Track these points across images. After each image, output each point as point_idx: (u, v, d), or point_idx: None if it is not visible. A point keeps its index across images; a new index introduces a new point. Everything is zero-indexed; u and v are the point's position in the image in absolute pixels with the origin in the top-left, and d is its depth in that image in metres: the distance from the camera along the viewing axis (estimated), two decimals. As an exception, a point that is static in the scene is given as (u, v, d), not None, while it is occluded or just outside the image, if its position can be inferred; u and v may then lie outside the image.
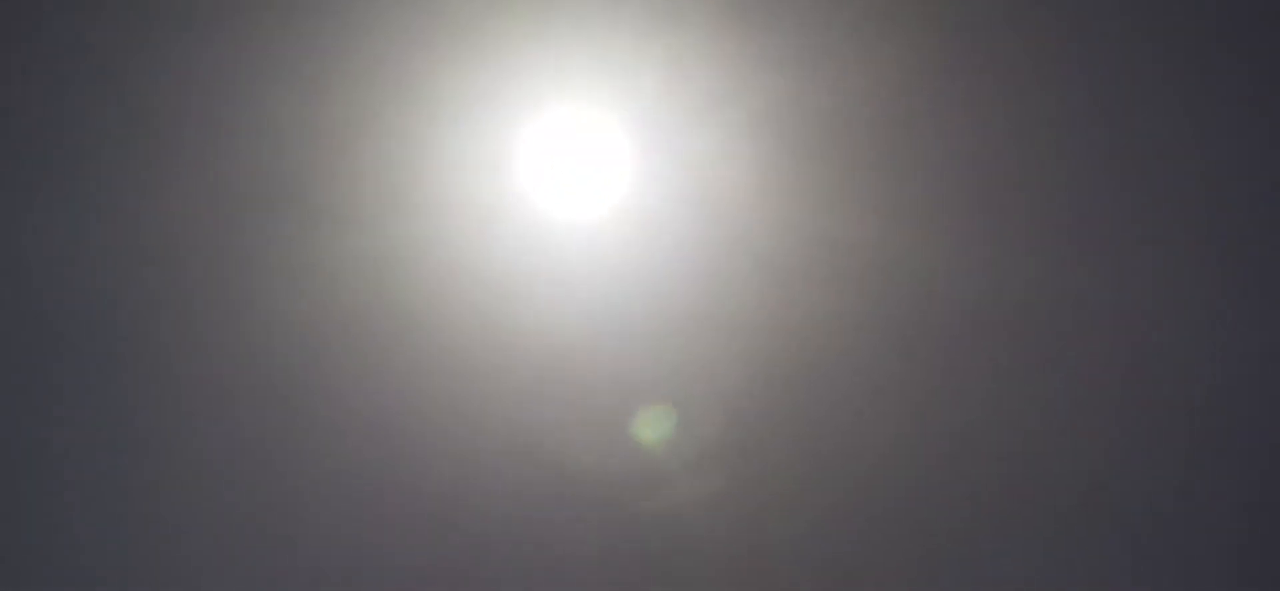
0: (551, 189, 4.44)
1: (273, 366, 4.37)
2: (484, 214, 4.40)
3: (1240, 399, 4.55)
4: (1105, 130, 4.52)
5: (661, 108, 4.41)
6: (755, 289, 4.45)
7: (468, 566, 4.42)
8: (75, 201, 4.35)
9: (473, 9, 4.32)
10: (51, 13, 4.20)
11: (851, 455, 4.54)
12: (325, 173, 4.35)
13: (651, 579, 4.43)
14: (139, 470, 4.36)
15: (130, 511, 4.42)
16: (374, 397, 4.42)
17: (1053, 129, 4.48)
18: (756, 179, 4.44)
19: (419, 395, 4.42)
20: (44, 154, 4.29)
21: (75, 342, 4.37)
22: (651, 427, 4.35)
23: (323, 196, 4.34)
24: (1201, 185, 4.52)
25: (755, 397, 4.45)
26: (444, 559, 4.40)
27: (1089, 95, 4.53)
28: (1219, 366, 4.57)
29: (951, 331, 4.54)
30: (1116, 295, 4.54)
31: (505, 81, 4.36)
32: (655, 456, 4.42)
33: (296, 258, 4.36)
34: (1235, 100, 4.46)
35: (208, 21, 4.23)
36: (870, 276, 4.45)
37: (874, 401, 4.47)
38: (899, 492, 4.54)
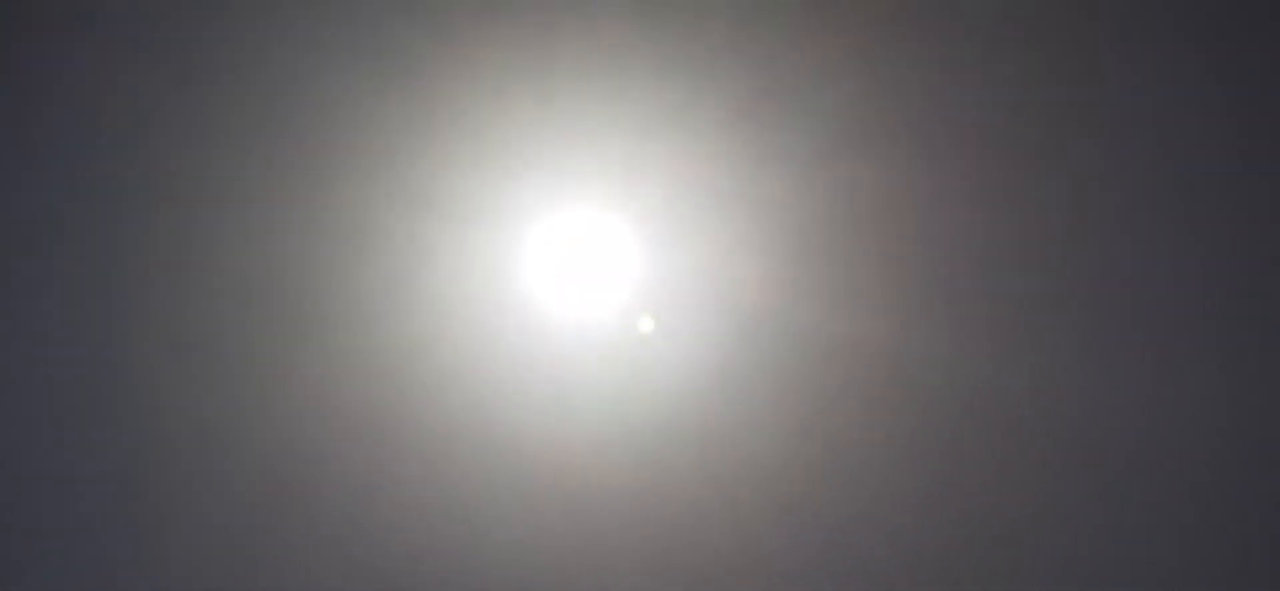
0: (555, 290, 4.38)
1: (269, 467, 4.27)
2: (486, 315, 4.34)
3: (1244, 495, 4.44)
4: (1125, 229, 4.47)
5: (666, 208, 4.38)
6: (765, 391, 4.36)
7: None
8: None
9: (476, 110, 4.32)
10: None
11: (867, 559, 4.41)
12: (325, 273, 4.30)
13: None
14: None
15: None
16: (373, 499, 4.31)
17: (1069, 225, 4.44)
18: (764, 279, 4.38)
19: (418, 499, 4.32)
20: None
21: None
22: None
23: (321, 297, 4.29)
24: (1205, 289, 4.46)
25: (767, 499, 4.34)
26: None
27: (1106, 191, 4.49)
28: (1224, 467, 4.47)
29: (964, 430, 4.44)
30: (1130, 398, 4.45)
31: (508, 183, 4.34)
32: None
33: (295, 358, 4.30)
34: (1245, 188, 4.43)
35: (209, 110, 4.23)
36: (883, 376, 4.37)
37: (888, 501, 4.36)
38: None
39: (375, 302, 4.33)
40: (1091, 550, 4.38)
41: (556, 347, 4.38)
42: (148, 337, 4.30)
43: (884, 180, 4.43)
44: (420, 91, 4.32)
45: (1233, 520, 4.37)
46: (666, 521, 4.32)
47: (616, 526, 4.30)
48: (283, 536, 4.24)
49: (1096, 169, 4.51)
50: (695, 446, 4.35)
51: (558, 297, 4.39)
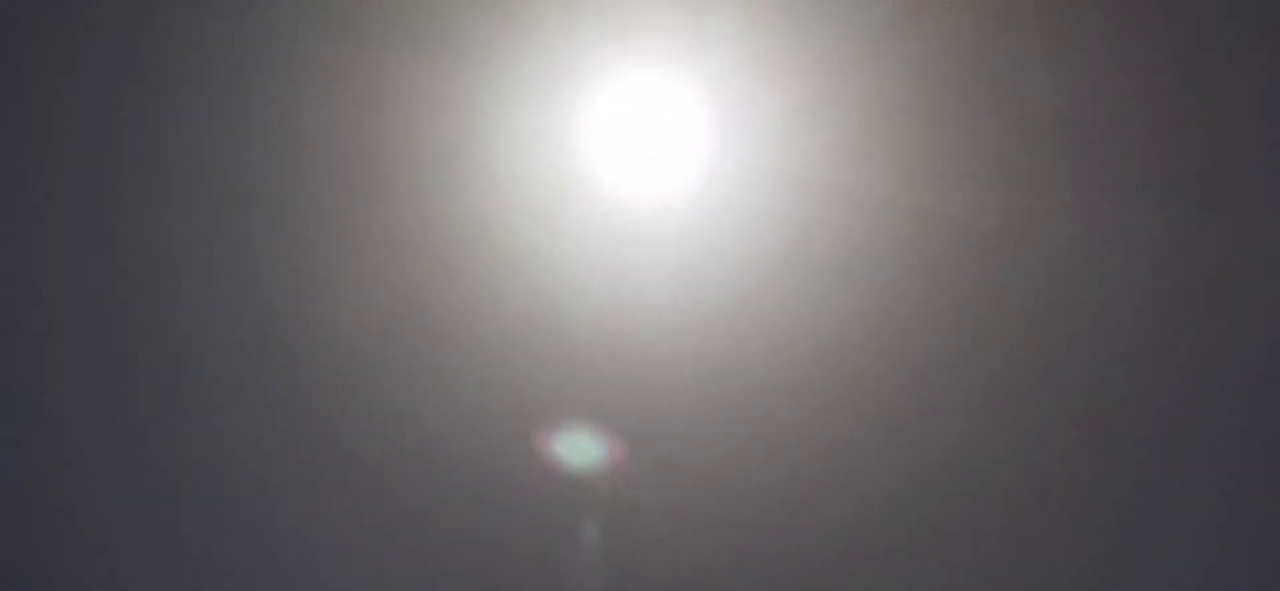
0: (618, 164, 4.22)
1: (326, 339, 4.17)
2: (548, 190, 4.19)
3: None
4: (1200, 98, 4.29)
5: (731, 79, 4.19)
6: (835, 265, 4.23)
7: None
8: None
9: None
10: None
11: (936, 431, 4.32)
12: (377, 145, 4.15)
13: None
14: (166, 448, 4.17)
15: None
16: (426, 383, 4.21)
17: (1147, 94, 4.25)
18: (832, 149, 4.22)
19: (475, 380, 4.21)
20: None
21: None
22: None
23: (382, 171, 4.14)
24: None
25: (835, 376, 4.23)
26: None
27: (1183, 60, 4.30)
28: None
29: (1039, 301, 4.31)
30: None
31: (569, 56, 4.15)
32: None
33: (348, 233, 4.16)
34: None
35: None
36: (957, 249, 4.23)
37: (960, 378, 4.25)
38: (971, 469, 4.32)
39: (429, 176, 4.17)
40: (1166, 420, 4.29)
41: (619, 224, 4.23)
42: (196, 206, 4.16)
43: (956, 47, 4.24)
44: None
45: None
46: (733, 402, 4.23)
47: (682, 408, 4.21)
48: (333, 422, 4.16)
49: (1175, 37, 4.32)
50: (762, 324, 4.23)
51: (620, 173, 4.23)
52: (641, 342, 4.23)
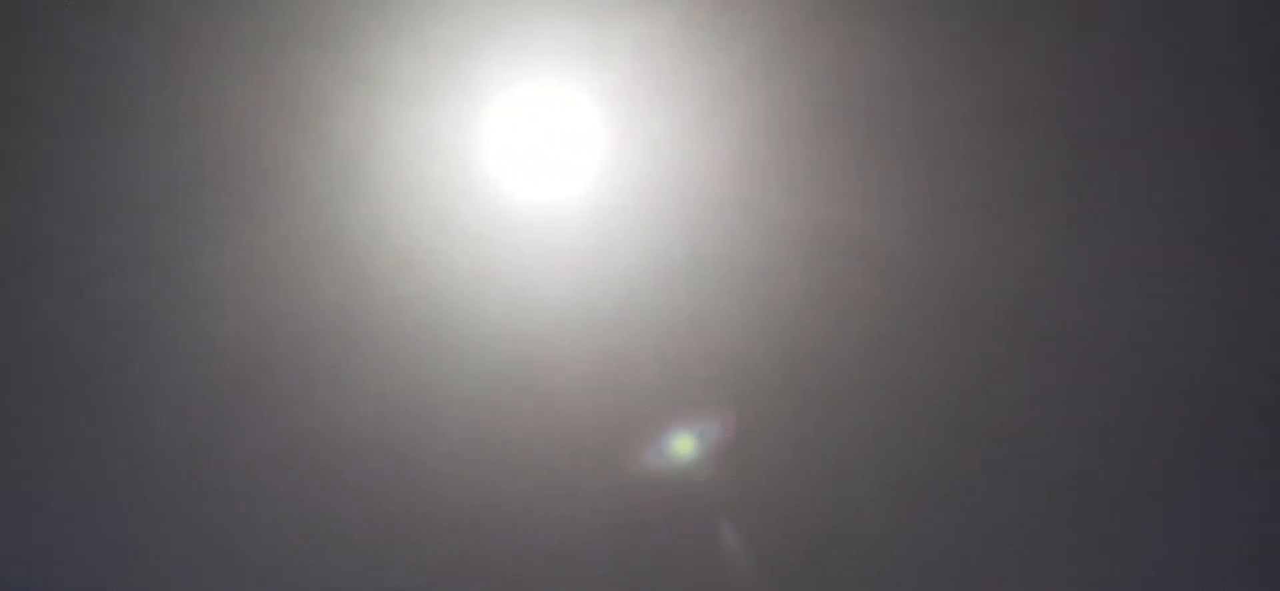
0: (517, 173, 4.24)
1: (232, 357, 4.21)
2: (448, 199, 4.20)
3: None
4: (1111, 106, 4.33)
5: (631, 89, 4.19)
6: (730, 279, 4.29)
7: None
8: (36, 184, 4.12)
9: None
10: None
11: (831, 444, 4.45)
12: (277, 155, 4.13)
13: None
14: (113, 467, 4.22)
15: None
16: (331, 386, 4.27)
17: (1052, 105, 4.29)
18: (730, 164, 4.25)
19: (377, 385, 4.28)
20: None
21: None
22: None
23: (282, 181, 4.13)
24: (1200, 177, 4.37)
25: (728, 391, 4.33)
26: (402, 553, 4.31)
27: (1092, 64, 4.32)
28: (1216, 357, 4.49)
29: (924, 318, 4.42)
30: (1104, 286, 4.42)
31: (469, 62, 4.12)
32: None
33: (252, 243, 4.17)
34: (1240, 97, 4.28)
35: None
36: (852, 265, 4.30)
37: (857, 395, 4.36)
38: (879, 483, 4.47)
39: (329, 185, 4.17)
40: (1076, 440, 4.44)
41: (517, 232, 4.26)
42: (107, 221, 4.14)
43: (855, 59, 4.25)
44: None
45: (1218, 413, 4.41)
46: (624, 410, 4.32)
47: (575, 414, 4.30)
48: (238, 425, 4.21)
49: (1083, 42, 4.34)
50: (658, 335, 4.30)
51: (519, 181, 4.25)
52: (536, 347, 4.30)
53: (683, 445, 4.17)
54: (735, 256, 4.26)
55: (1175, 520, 4.56)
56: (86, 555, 4.39)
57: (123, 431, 4.24)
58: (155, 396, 4.19)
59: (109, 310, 4.16)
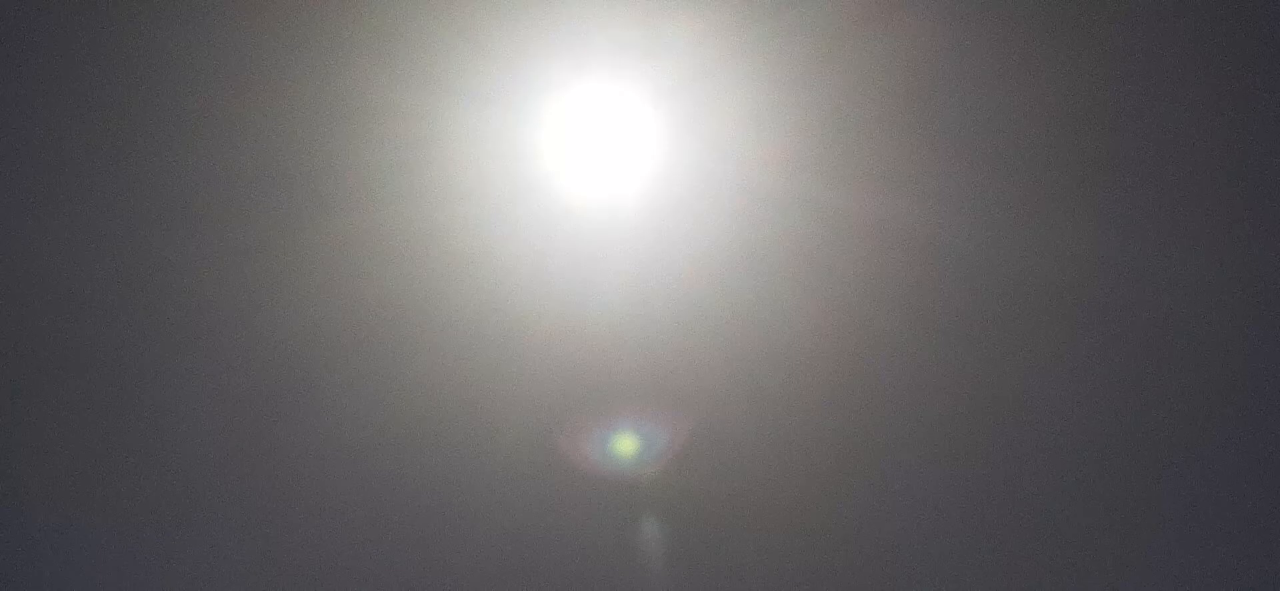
0: (573, 172, 4.24)
1: (280, 354, 4.22)
2: (503, 196, 4.20)
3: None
4: (1154, 102, 4.31)
5: (686, 86, 4.19)
6: (787, 272, 4.28)
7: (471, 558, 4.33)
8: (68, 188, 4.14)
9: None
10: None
11: (881, 436, 4.43)
12: (339, 157, 4.14)
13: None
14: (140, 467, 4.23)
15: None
16: (385, 388, 4.27)
17: (1102, 100, 4.27)
18: (786, 158, 4.24)
19: (432, 386, 4.28)
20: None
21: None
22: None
23: (336, 181, 4.14)
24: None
25: (789, 382, 4.31)
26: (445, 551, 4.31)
27: (1138, 62, 4.31)
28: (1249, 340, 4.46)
29: (981, 309, 4.39)
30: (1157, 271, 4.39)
31: (524, 63, 4.12)
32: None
33: (308, 244, 4.18)
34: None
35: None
36: (910, 257, 4.29)
37: (913, 383, 4.34)
38: (923, 471, 4.45)
39: (386, 185, 4.18)
40: (1113, 426, 4.41)
41: (572, 229, 4.26)
42: (159, 220, 4.16)
43: (910, 53, 4.24)
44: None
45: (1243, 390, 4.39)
46: (685, 406, 4.32)
47: (634, 412, 4.30)
48: (291, 421, 4.22)
49: (1138, 37, 4.32)
50: (715, 330, 4.30)
51: (574, 178, 4.25)
52: (596, 347, 4.29)
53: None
54: (791, 251, 4.24)
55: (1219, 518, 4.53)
56: (133, 560, 4.40)
57: (160, 432, 4.25)
58: (204, 397, 4.20)
59: (158, 309, 4.17)
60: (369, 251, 4.19)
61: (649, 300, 4.26)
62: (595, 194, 4.25)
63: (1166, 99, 4.33)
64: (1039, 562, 4.55)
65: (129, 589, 4.29)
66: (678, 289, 4.26)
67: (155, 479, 4.28)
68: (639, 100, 4.18)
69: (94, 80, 3.99)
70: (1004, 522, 4.48)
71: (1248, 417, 4.49)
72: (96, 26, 3.94)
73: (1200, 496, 4.59)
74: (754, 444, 4.32)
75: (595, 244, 4.25)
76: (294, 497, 4.25)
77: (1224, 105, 4.34)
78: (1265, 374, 4.52)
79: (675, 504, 4.31)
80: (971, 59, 4.24)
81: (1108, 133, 4.35)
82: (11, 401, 4.21)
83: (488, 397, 4.26)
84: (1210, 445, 4.54)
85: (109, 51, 3.95)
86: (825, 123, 4.22)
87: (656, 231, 4.25)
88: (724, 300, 4.26)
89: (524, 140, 4.18)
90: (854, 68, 4.19)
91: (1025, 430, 4.39)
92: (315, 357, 4.20)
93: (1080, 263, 4.37)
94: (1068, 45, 4.25)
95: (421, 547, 4.31)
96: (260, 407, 4.23)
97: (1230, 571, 4.59)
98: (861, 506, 4.37)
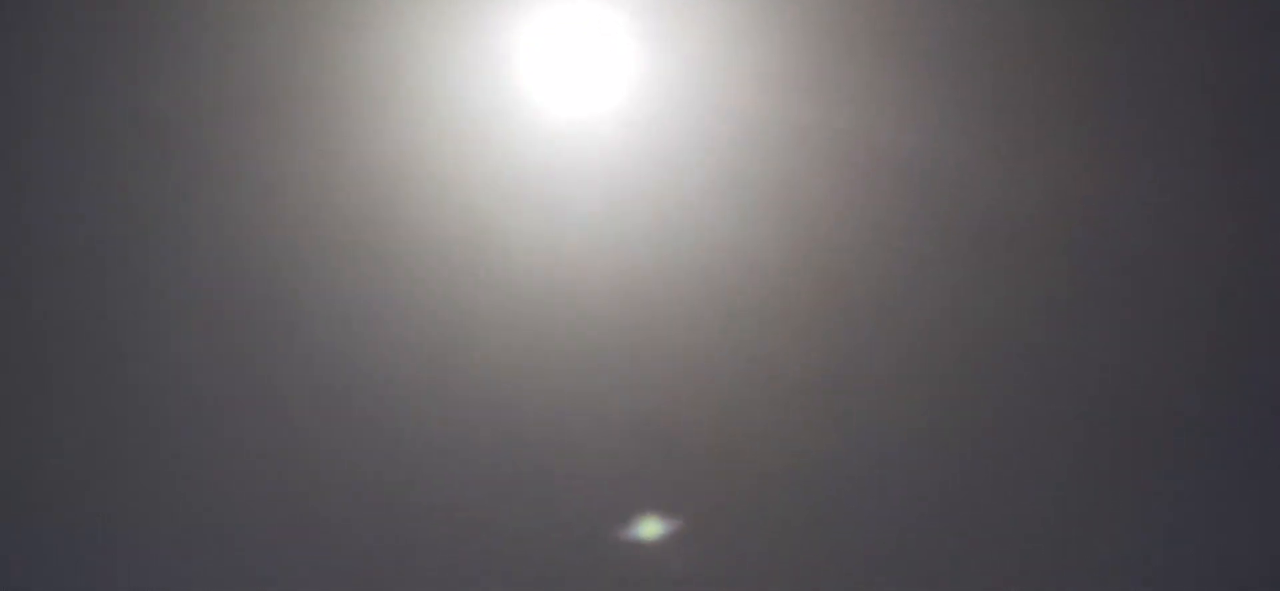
0: (548, 90, 4.19)
1: (262, 280, 4.21)
2: (478, 117, 4.16)
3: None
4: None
5: (663, 2, 4.13)
6: (765, 193, 4.23)
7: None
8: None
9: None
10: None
11: (864, 356, 4.39)
12: (312, 80, 4.11)
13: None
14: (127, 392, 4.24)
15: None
16: (362, 312, 4.26)
17: (1074, 25, 4.19)
18: (757, 75, 4.17)
19: (413, 306, 4.26)
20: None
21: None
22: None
23: (310, 103, 4.11)
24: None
25: (765, 306, 4.27)
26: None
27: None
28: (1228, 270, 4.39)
29: (962, 231, 4.33)
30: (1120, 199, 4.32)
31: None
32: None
33: (281, 166, 4.16)
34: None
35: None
36: (889, 177, 4.23)
37: (894, 309, 4.29)
38: (905, 401, 4.41)
39: (359, 106, 4.14)
40: (1104, 361, 4.36)
41: (548, 147, 4.22)
42: (133, 142, 4.14)
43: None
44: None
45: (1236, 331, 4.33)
46: (660, 329, 4.28)
47: (611, 335, 4.27)
48: (270, 348, 4.21)
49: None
50: (692, 250, 4.26)
51: (550, 96, 4.21)
52: (572, 265, 4.26)
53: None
54: (770, 170, 4.19)
55: (1206, 457, 4.47)
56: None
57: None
58: (177, 318, 4.20)
59: (134, 224, 4.17)
60: (344, 173, 4.16)
61: (625, 218, 4.22)
62: (571, 111, 4.20)
63: (1167, 15, 4.24)
64: (1018, 491, 4.51)
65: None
66: (655, 207, 4.22)
67: (136, 398, 4.29)
68: (615, 15, 4.13)
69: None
70: (981, 452, 4.44)
71: (1239, 347, 4.43)
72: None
73: (1188, 428, 4.53)
74: (729, 366, 4.28)
75: (571, 161, 4.21)
76: (277, 416, 4.25)
77: (1222, 26, 4.25)
78: (1259, 305, 4.44)
79: (644, 426, 4.28)
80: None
81: (1102, 53, 4.27)
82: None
83: (464, 317, 4.24)
84: (1195, 375, 4.48)
85: None
86: (806, 40, 4.15)
87: (634, 149, 4.20)
88: (701, 219, 4.21)
89: (499, 57, 4.13)
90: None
91: (1005, 357, 4.34)
92: (290, 279, 4.19)
93: (1068, 188, 4.30)
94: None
95: (404, 468, 4.32)
96: (237, 330, 4.22)
97: (1221, 495, 4.54)
98: (836, 431, 4.33)
